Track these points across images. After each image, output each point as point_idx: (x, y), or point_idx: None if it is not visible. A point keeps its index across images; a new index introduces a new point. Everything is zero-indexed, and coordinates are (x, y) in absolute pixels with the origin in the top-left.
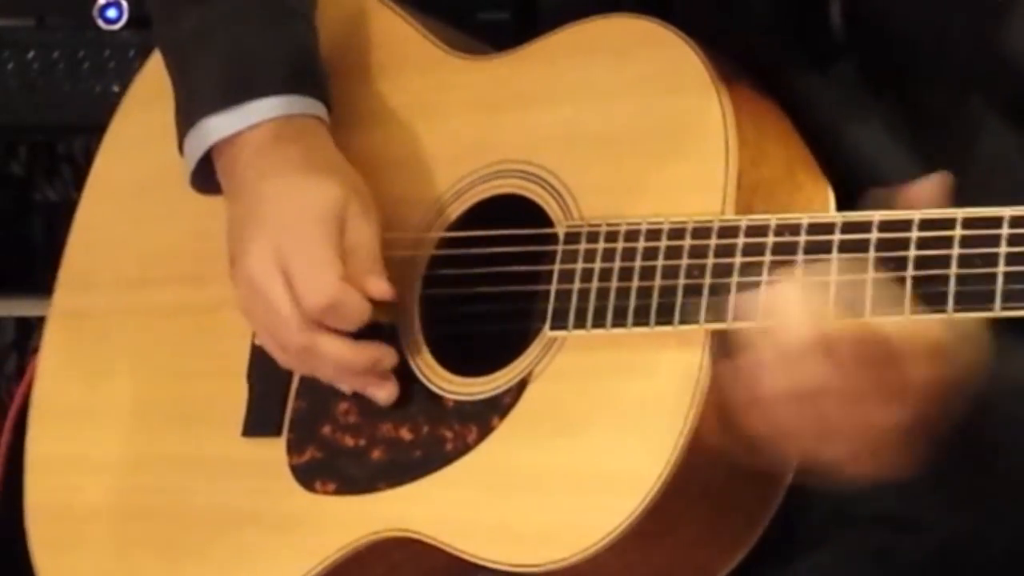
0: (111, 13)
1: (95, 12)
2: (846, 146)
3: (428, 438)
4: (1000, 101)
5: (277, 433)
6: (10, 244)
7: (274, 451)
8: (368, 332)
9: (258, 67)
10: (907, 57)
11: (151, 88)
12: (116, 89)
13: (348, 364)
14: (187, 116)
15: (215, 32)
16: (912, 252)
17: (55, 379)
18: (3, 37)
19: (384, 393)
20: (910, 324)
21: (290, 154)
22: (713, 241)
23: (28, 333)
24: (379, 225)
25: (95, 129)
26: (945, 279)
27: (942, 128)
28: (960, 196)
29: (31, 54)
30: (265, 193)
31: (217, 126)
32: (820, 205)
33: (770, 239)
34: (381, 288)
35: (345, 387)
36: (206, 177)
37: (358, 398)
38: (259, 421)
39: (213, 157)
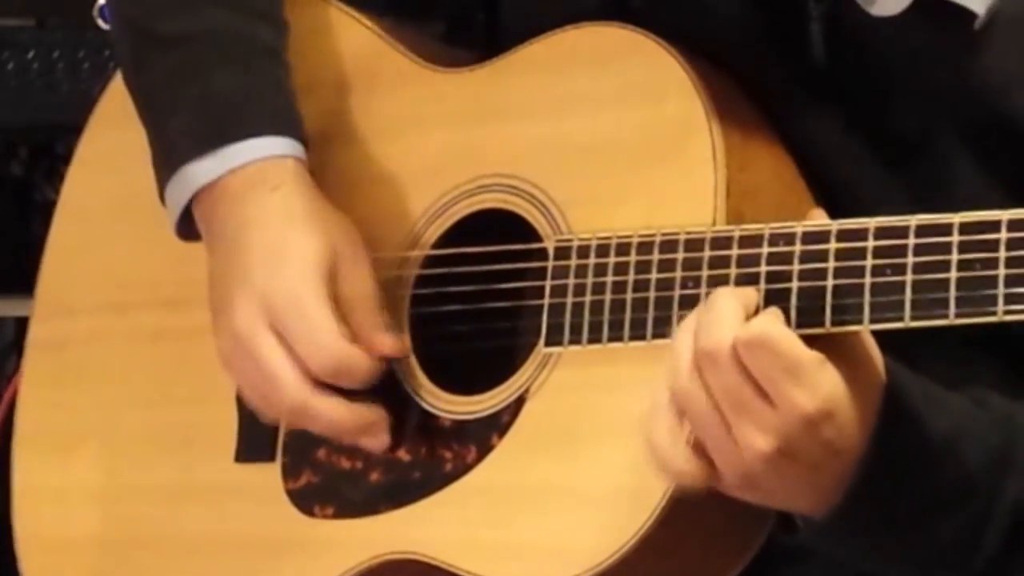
0: None
1: (95, 12)
2: (822, 163)
3: (427, 459)
4: (969, 128)
5: (271, 458)
6: (10, 244)
7: (269, 476)
8: None
9: (237, 110)
10: (883, 78)
11: (118, 107)
12: None
13: (341, 426)
14: (167, 164)
15: (190, 76)
16: (910, 259)
17: (38, 410)
18: (3, 37)
19: (376, 443)
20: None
21: (272, 203)
22: (707, 253)
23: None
24: (371, 269)
25: None
26: (945, 285)
27: (915, 152)
28: None
29: (31, 54)
30: (246, 245)
31: (199, 172)
32: (808, 207)
33: (765, 249)
34: (390, 345)
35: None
36: (190, 225)
37: None
38: (251, 446)
39: (192, 205)
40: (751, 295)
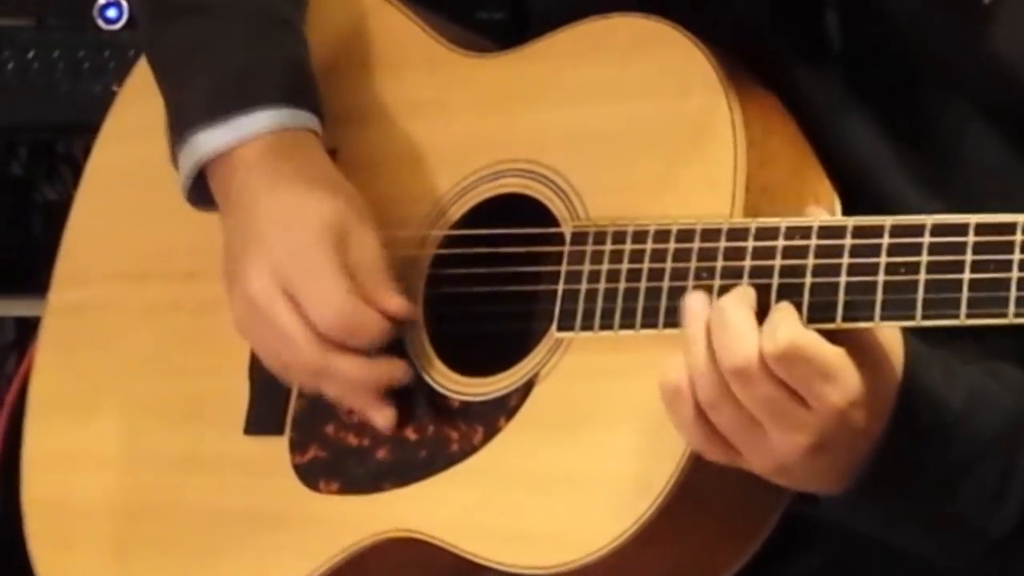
0: (111, 13)
1: (95, 12)
2: (839, 149)
3: (433, 438)
4: (985, 107)
5: (279, 432)
6: (10, 244)
7: (276, 450)
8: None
9: (250, 80)
10: (898, 61)
11: (149, 80)
12: (116, 89)
13: (361, 382)
14: (179, 131)
15: (206, 45)
16: (925, 257)
17: (52, 374)
18: (3, 37)
19: (382, 419)
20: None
21: (283, 170)
22: (722, 244)
23: (28, 333)
24: (379, 238)
25: (95, 129)
26: (958, 285)
27: (931, 133)
28: (948, 200)
29: (31, 54)
30: (260, 212)
31: (209, 140)
32: (826, 207)
33: (780, 242)
34: (398, 304)
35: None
36: (201, 192)
37: None
38: (261, 419)
39: (207, 173)
40: (750, 293)
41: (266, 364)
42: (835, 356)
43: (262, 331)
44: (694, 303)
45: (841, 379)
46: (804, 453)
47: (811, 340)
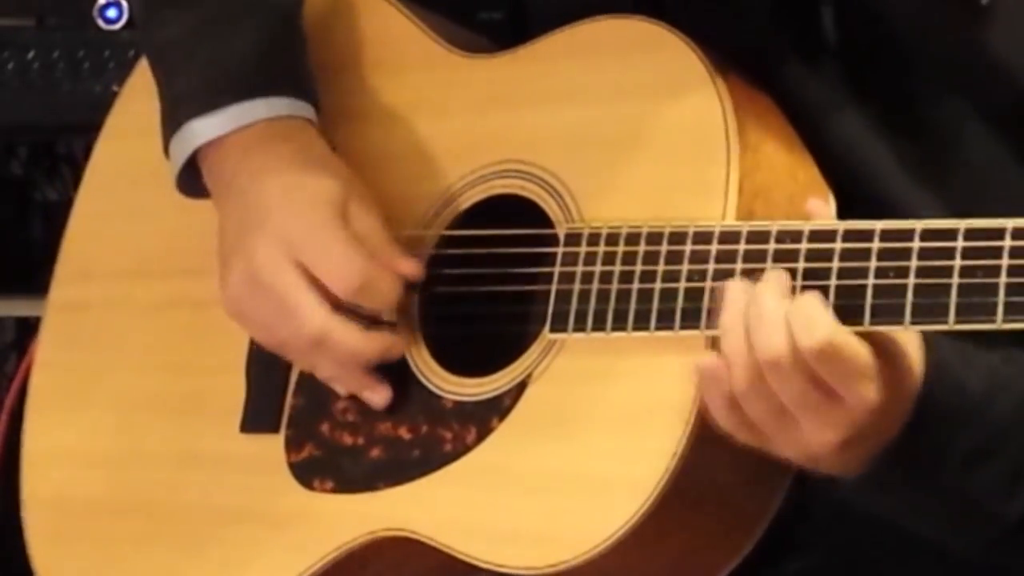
0: (111, 13)
1: (95, 12)
2: (835, 146)
3: (427, 438)
4: (981, 105)
5: (275, 430)
6: (10, 244)
7: (272, 448)
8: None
9: (243, 70)
10: (894, 59)
11: (150, 79)
12: (116, 89)
13: (360, 353)
14: (172, 120)
15: (200, 36)
16: (914, 262)
17: (52, 371)
18: (3, 37)
19: (379, 397)
20: (849, 346)
21: (282, 152)
22: (714, 247)
23: (28, 333)
24: (381, 214)
25: (95, 129)
26: (947, 290)
27: (927, 130)
28: (945, 198)
29: (31, 54)
30: (261, 193)
31: (201, 129)
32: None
33: (771, 246)
34: (409, 265)
35: (342, 388)
36: (193, 181)
37: (356, 396)
38: (257, 417)
39: (199, 161)
40: (785, 279)
41: (261, 342)
42: (869, 356)
43: (262, 305)
44: (733, 291)
45: (875, 376)
46: (835, 447)
47: (848, 338)
